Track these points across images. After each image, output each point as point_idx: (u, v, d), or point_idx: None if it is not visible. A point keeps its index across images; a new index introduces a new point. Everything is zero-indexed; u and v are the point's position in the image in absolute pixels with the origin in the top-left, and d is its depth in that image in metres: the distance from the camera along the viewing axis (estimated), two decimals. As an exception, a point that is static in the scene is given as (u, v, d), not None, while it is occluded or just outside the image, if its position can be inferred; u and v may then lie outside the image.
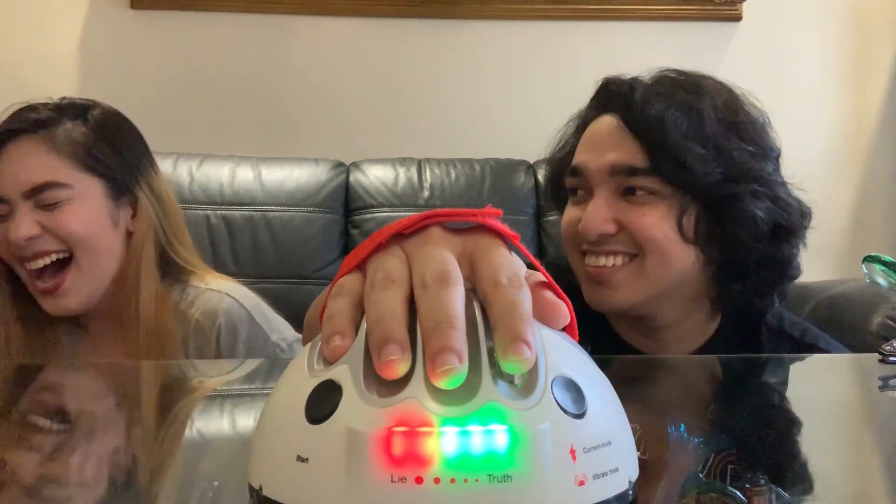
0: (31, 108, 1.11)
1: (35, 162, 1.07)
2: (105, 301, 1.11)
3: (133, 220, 1.12)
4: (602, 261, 0.92)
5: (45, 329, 1.12)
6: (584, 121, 1.00)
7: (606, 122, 0.95)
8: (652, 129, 0.90)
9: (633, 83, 0.96)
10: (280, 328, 1.17)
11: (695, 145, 0.89)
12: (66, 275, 1.07)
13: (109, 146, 1.12)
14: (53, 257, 1.07)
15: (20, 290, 1.11)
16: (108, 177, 1.11)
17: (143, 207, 1.12)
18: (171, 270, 1.15)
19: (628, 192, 0.92)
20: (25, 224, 1.05)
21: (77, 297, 1.08)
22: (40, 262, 1.06)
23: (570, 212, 0.97)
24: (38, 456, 0.49)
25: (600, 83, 1.01)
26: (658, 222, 0.90)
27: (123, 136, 1.16)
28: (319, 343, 0.34)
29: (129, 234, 1.12)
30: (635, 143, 0.91)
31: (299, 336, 1.16)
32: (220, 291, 1.14)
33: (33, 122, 1.09)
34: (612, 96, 0.96)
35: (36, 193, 1.06)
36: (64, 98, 1.14)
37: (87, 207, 1.08)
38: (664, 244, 0.91)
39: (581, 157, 0.96)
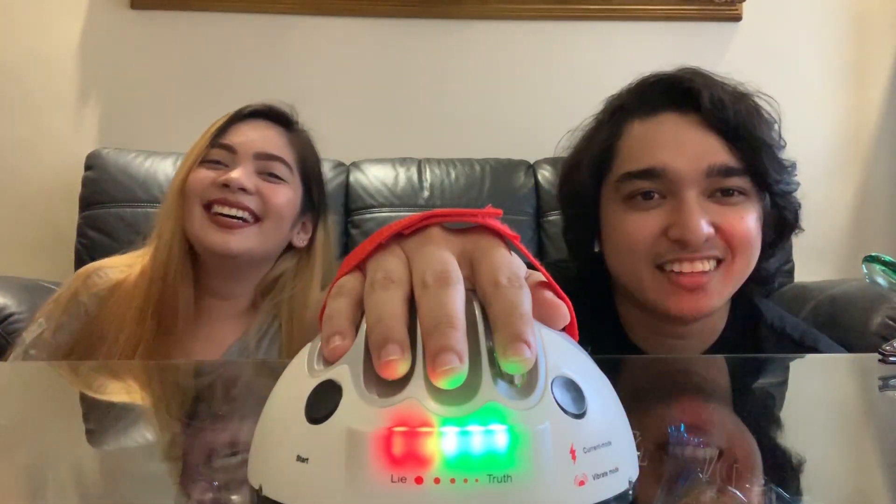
0: (269, 104, 1.24)
1: (272, 138, 1.20)
2: (249, 290, 1.22)
3: (301, 235, 1.24)
4: (699, 266, 0.88)
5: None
6: (624, 118, 0.94)
7: (681, 121, 0.90)
8: (743, 129, 0.88)
9: (703, 79, 0.92)
10: None
11: (772, 142, 0.90)
12: (248, 226, 1.15)
13: (316, 164, 1.27)
14: (248, 215, 1.15)
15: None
16: (308, 186, 1.23)
17: (320, 235, 1.26)
18: None
19: (721, 194, 0.89)
20: (248, 176, 1.15)
21: (245, 243, 1.15)
22: (235, 212, 1.14)
23: (643, 219, 0.90)
24: (28, 457, 0.49)
25: (650, 78, 0.95)
26: (754, 224, 0.89)
27: (321, 166, 1.28)
28: (319, 343, 0.34)
29: (289, 246, 1.23)
30: (723, 143, 0.88)
31: None
32: None
33: (277, 113, 1.23)
34: (680, 93, 0.91)
35: (265, 159, 1.17)
36: (289, 105, 1.26)
37: (293, 194, 1.20)
38: (755, 245, 0.90)
39: (660, 157, 0.89)
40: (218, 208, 1.14)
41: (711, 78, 0.93)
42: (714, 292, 0.89)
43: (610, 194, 0.94)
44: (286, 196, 1.18)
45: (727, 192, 0.89)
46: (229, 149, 1.17)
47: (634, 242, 0.90)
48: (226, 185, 1.13)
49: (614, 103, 0.98)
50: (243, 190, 1.13)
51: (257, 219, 1.16)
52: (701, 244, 0.87)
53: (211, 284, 1.21)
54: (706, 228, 0.86)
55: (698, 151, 0.88)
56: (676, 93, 0.91)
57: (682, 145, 0.89)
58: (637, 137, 0.92)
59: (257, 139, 1.18)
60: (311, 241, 1.25)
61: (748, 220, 0.89)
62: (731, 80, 0.95)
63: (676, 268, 0.89)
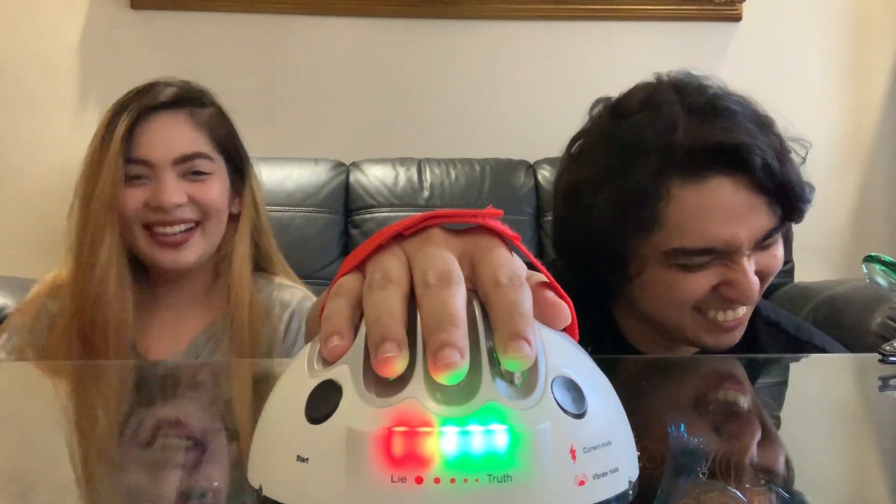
0: (164, 84, 1.18)
1: (184, 134, 1.15)
2: (204, 270, 1.20)
3: (237, 203, 1.21)
4: (740, 311, 0.90)
5: (144, 286, 1.18)
6: (665, 173, 0.87)
7: (733, 186, 0.86)
8: (792, 191, 0.88)
9: (746, 138, 0.86)
10: None
11: (803, 183, 0.90)
12: (192, 235, 1.15)
13: (231, 132, 1.21)
14: (189, 225, 1.14)
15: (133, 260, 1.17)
16: (231, 160, 1.20)
17: (247, 194, 1.21)
18: (258, 263, 1.23)
19: (761, 247, 0.89)
20: (175, 191, 1.12)
21: (195, 253, 1.15)
22: (177, 228, 1.13)
23: (694, 281, 0.88)
24: (27, 457, 0.49)
25: (686, 140, 0.87)
26: (781, 256, 0.92)
27: (235, 126, 1.23)
28: (319, 343, 0.34)
29: (230, 216, 1.20)
30: (768, 203, 0.87)
31: None
32: (294, 287, 1.24)
33: (175, 97, 1.16)
34: (727, 157, 0.86)
35: (184, 161, 1.13)
36: (182, 81, 1.21)
37: (221, 181, 1.17)
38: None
39: (720, 234, 0.86)
40: (159, 229, 1.13)
41: (744, 121, 0.88)
42: (743, 326, 0.92)
43: (652, 253, 0.89)
44: (217, 189, 1.16)
45: (764, 246, 0.90)
46: (145, 163, 1.12)
47: (683, 299, 0.89)
48: (160, 208, 1.11)
49: (644, 143, 0.88)
50: (178, 205, 1.12)
51: (198, 222, 1.15)
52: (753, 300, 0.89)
53: (160, 287, 1.20)
54: (757, 284, 0.88)
55: (753, 220, 0.87)
56: (725, 153, 0.87)
57: (740, 217, 0.86)
58: (689, 208, 0.86)
59: (169, 142, 1.13)
60: (243, 202, 1.22)
61: (780, 258, 0.91)
62: (747, 100, 0.92)
63: (720, 316, 0.90)
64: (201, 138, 1.16)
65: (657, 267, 0.89)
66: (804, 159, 0.92)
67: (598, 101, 0.98)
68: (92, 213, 1.13)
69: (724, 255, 0.87)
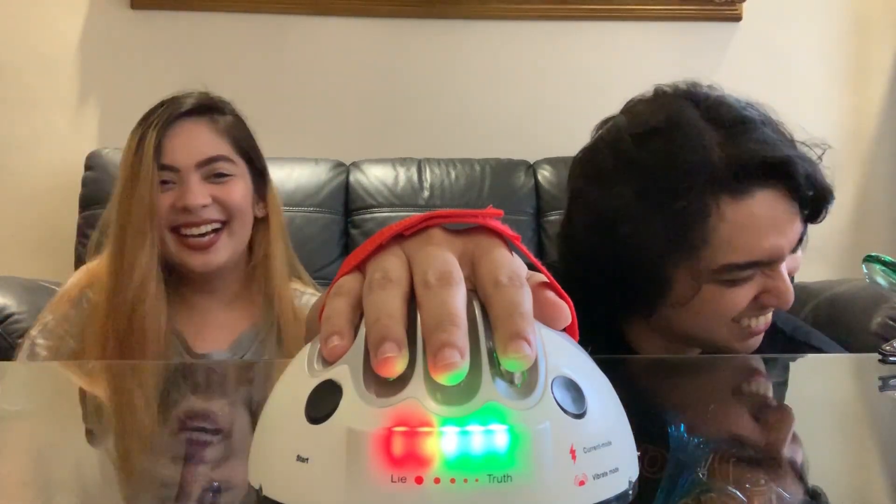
0: (186, 95, 1.25)
1: (206, 139, 1.22)
2: (237, 272, 1.25)
3: (261, 207, 1.27)
4: (770, 315, 0.92)
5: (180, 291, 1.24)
6: (711, 191, 0.86)
7: (776, 198, 0.87)
8: (823, 196, 0.90)
9: (787, 151, 0.88)
10: None
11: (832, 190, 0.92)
12: (220, 237, 1.20)
13: (250, 138, 1.28)
14: (216, 226, 1.19)
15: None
16: (252, 163, 1.26)
17: (271, 198, 1.28)
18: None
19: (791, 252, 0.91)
20: (200, 192, 1.18)
21: (224, 254, 1.21)
22: (204, 229, 1.19)
23: (740, 294, 0.88)
24: (29, 457, 0.49)
25: (728, 158, 0.86)
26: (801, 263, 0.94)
27: (253, 133, 1.29)
28: (319, 343, 0.34)
29: (256, 220, 1.26)
30: (800, 209, 0.89)
31: None
32: (316, 295, 1.28)
33: (197, 106, 1.23)
34: (771, 170, 0.87)
35: (208, 164, 1.20)
36: (202, 91, 1.27)
37: (244, 183, 1.23)
38: None
39: (766, 247, 0.87)
40: (186, 230, 1.19)
41: (770, 132, 0.89)
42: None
43: (697, 273, 0.88)
44: (240, 190, 1.22)
45: (795, 248, 0.91)
46: (172, 169, 1.19)
47: (726, 314, 0.89)
48: (186, 210, 1.17)
49: (681, 166, 0.86)
50: (203, 206, 1.18)
51: (224, 223, 1.20)
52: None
53: (195, 289, 1.25)
54: (792, 290, 0.89)
55: (792, 228, 0.89)
56: (770, 168, 0.87)
57: (780, 227, 0.88)
58: (737, 224, 0.86)
59: (192, 147, 1.20)
60: (268, 205, 1.29)
61: (801, 258, 0.93)
62: (757, 105, 0.92)
63: (753, 323, 0.91)
64: (222, 142, 1.22)
65: (698, 284, 0.89)
66: (820, 159, 0.92)
67: (605, 121, 0.96)
68: (133, 219, 1.17)
69: (767, 265, 0.88)
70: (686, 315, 0.91)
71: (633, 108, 0.94)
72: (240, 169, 1.23)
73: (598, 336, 0.93)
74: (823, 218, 0.92)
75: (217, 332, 1.24)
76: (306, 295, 1.28)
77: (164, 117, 1.20)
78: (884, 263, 0.75)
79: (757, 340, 0.93)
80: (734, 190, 0.86)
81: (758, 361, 0.87)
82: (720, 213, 0.86)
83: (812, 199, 0.89)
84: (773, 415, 0.61)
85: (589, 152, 0.95)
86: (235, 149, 1.24)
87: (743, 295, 0.89)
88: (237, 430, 0.55)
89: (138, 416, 0.61)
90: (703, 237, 0.86)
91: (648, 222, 0.86)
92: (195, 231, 1.19)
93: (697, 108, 0.89)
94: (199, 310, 1.25)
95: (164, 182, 1.19)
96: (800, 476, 0.44)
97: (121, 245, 1.17)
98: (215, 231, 1.20)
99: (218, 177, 1.20)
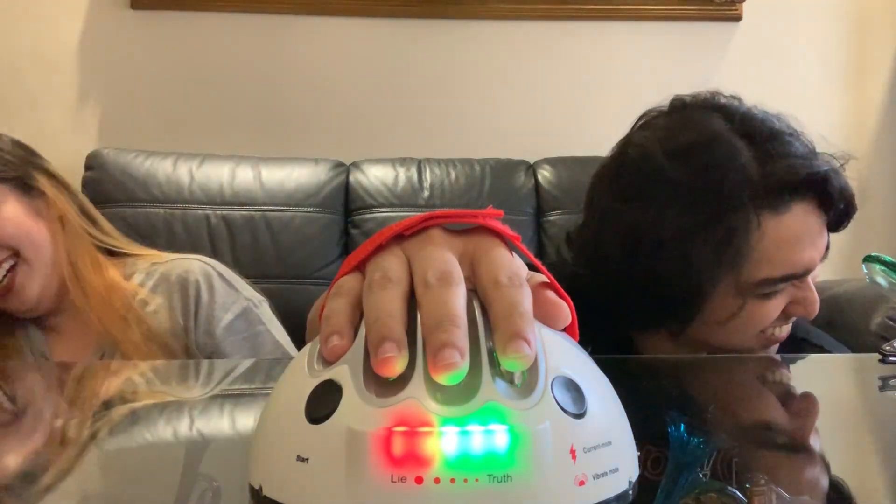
0: None
1: None
2: (59, 292, 1.15)
3: (48, 213, 1.16)
4: (791, 323, 0.93)
5: (6, 336, 1.16)
6: (753, 208, 0.86)
7: (808, 211, 0.88)
8: (851, 206, 0.90)
9: (824, 165, 0.89)
10: (247, 287, 1.23)
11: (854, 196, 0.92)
12: (17, 272, 1.11)
13: (7, 154, 1.16)
14: (8, 264, 1.10)
15: None
16: (7, 177, 1.14)
17: (50, 191, 1.16)
18: (120, 254, 1.21)
19: None
20: None
21: (35, 286, 1.12)
22: None
23: (773, 306, 0.89)
24: (32, 457, 0.49)
25: (768, 174, 0.86)
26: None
27: (8, 143, 1.18)
28: (319, 343, 0.34)
29: (60, 221, 1.16)
30: (827, 220, 0.90)
31: (263, 298, 1.24)
32: (186, 258, 1.22)
33: None
34: (810, 185, 0.88)
35: None
36: None
37: (11, 206, 1.12)
38: None
39: (800, 260, 0.87)
40: None
41: (801, 146, 0.90)
42: None
43: (733, 288, 0.88)
44: (8, 216, 1.11)
45: None
46: None
47: (758, 326, 0.90)
48: None
49: (722, 184, 0.86)
50: None
51: (14, 255, 1.11)
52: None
53: (36, 325, 1.19)
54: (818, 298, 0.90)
55: (821, 239, 0.90)
56: (810, 181, 0.88)
57: (813, 239, 0.89)
58: (776, 239, 0.86)
59: None
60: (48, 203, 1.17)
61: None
62: (781, 117, 0.93)
63: (777, 332, 0.91)
64: None
65: (734, 299, 0.88)
66: (843, 168, 0.93)
67: (625, 140, 0.94)
68: None
69: (799, 276, 0.89)
70: (718, 329, 0.90)
71: (655, 123, 0.93)
72: (2, 192, 1.12)
73: (607, 344, 0.93)
74: (845, 227, 0.92)
75: (82, 352, 1.16)
76: (172, 262, 1.19)
77: None
78: (884, 263, 0.75)
79: (777, 347, 0.94)
80: (774, 205, 0.86)
81: (758, 361, 0.87)
82: (761, 229, 0.86)
83: (840, 211, 0.90)
84: (772, 414, 0.61)
85: (612, 170, 0.93)
86: None
87: (775, 307, 0.89)
88: (237, 429, 0.55)
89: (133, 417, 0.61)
90: (745, 253, 0.86)
91: (693, 241, 0.85)
92: None
93: (728, 122, 0.89)
94: (55, 335, 1.18)
95: None
96: (798, 475, 0.44)
97: None
98: (11, 269, 1.11)
99: None
